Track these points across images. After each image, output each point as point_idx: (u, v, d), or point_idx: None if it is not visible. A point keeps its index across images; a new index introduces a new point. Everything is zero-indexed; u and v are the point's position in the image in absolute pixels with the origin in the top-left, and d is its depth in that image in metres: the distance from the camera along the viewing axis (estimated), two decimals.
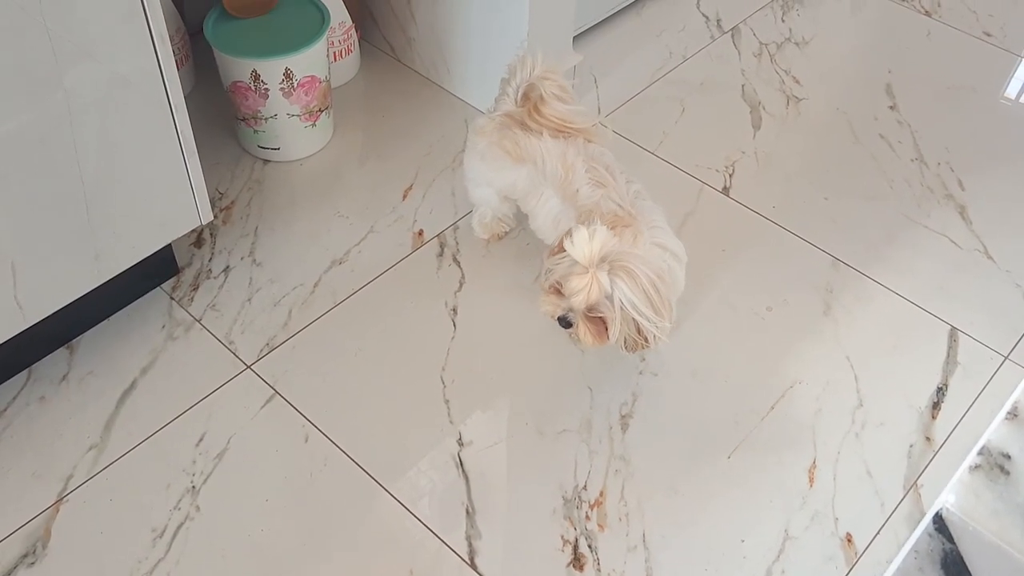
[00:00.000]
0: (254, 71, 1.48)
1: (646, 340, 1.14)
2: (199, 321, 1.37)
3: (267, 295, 1.41)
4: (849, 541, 1.17)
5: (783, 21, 1.97)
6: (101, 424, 1.25)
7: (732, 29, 1.94)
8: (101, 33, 1.06)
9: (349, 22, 1.69)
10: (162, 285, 1.41)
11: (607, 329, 1.14)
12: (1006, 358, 1.38)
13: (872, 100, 1.79)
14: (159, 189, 1.24)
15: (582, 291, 1.09)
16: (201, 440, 1.24)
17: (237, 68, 1.49)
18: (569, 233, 1.09)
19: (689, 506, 1.20)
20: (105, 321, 1.36)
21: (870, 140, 1.71)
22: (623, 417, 1.29)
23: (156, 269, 1.40)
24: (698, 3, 2.00)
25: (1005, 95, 1.82)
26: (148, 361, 1.32)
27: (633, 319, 1.12)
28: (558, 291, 1.14)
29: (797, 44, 1.91)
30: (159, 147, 1.20)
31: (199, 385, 1.30)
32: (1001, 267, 1.50)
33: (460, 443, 1.25)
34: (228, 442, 1.24)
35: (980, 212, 1.58)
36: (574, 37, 1.72)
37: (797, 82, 1.82)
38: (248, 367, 1.32)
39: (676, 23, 1.94)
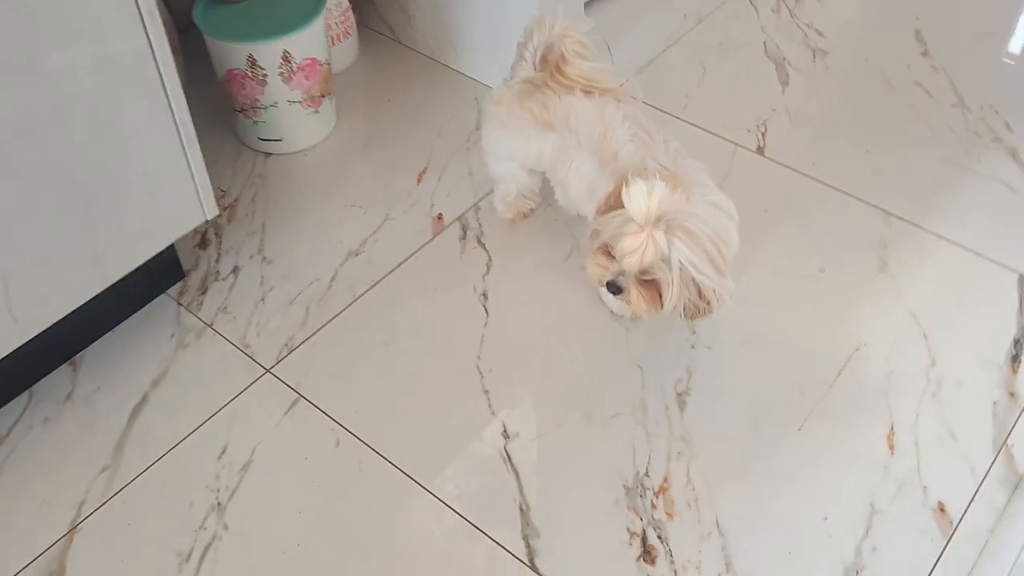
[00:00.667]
0: (250, 56, 1.38)
1: (708, 304, 1.04)
2: (211, 326, 1.27)
3: (281, 293, 1.31)
4: (942, 511, 1.07)
5: None
6: (112, 443, 1.15)
7: None
8: (85, 10, 0.97)
9: (346, 3, 1.60)
10: (168, 291, 1.31)
11: (661, 296, 1.04)
12: None
13: (902, 48, 1.69)
14: (159, 182, 1.14)
15: (636, 252, 0.98)
16: (223, 452, 1.14)
17: (232, 54, 1.39)
18: (625, 184, 0.98)
19: (762, 485, 1.10)
20: (109, 333, 1.26)
21: (905, 88, 1.61)
22: (679, 395, 1.18)
23: (160, 274, 1.30)
24: None
25: None
26: (159, 372, 1.22)
27: (693, 280, 1.01)
28: (607, 253, 1.04)
29: None
30: (156, 136, 1.10)
31: (216, 394, 1.20)
32: None
33: (505, 435, 1.15)
34: (253, 452, 1.14)
35: None
36: (584, 4, 1.63)
37: (821, 35, 1.72)
38: (267, 371, 1.22)
39: None
